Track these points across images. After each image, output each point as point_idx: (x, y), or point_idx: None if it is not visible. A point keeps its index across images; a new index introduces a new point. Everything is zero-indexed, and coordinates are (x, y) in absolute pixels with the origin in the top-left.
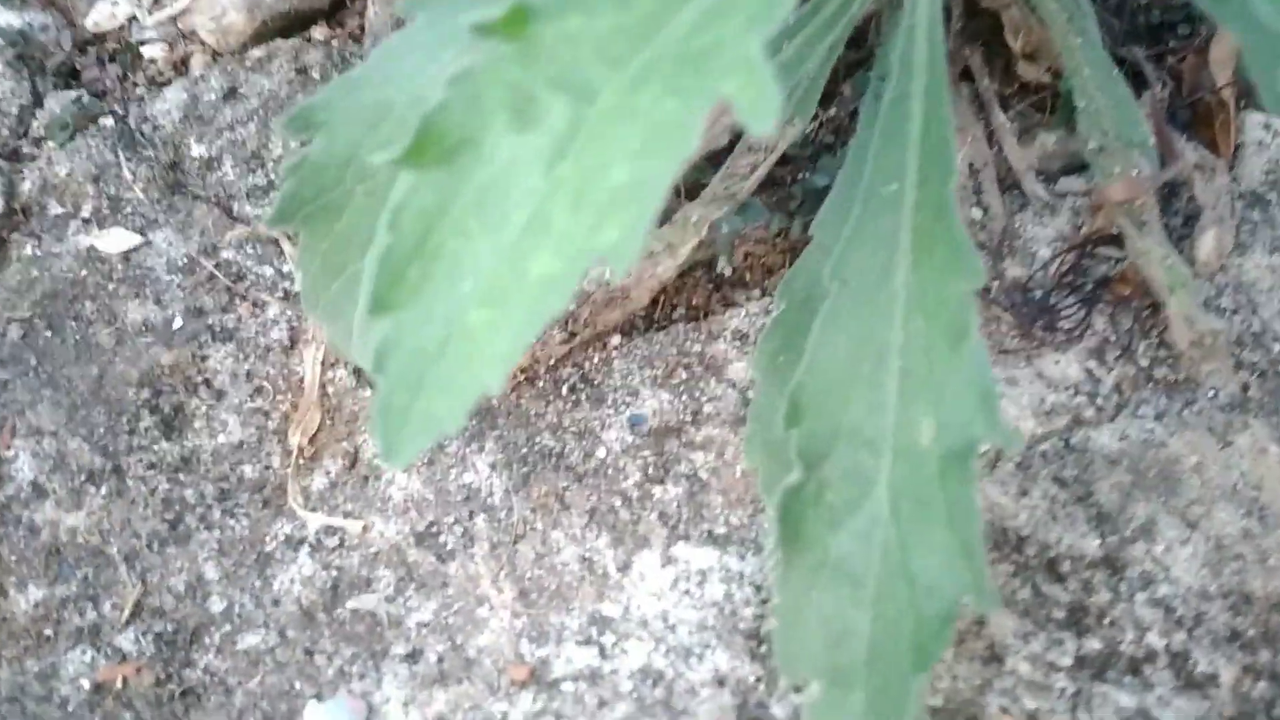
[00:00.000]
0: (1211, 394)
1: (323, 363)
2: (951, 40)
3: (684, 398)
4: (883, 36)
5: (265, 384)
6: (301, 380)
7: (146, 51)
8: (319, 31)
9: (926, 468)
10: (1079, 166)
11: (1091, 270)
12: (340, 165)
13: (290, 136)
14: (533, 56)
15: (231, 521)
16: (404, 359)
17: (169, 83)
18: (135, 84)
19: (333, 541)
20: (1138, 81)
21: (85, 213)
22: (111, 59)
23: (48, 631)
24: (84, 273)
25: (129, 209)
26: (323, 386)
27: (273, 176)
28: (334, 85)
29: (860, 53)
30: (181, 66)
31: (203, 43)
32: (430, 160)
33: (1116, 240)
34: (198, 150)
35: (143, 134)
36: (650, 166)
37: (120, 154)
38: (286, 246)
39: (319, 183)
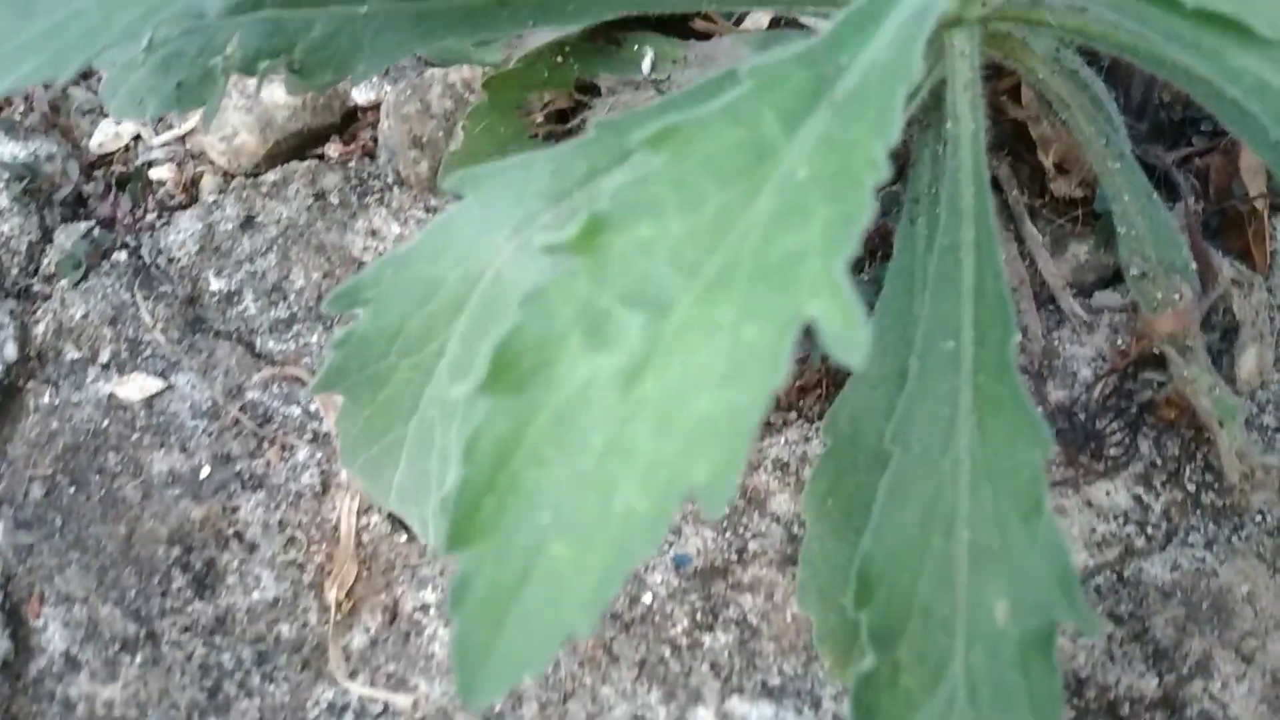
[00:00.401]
0: (1260, 518)
1: (357, 511)
2: (982, 145)
3: (728, 535)
4: (912, 157)
5: (298, 534)
6: (336, 528)
7: (155, 174)
8: (333, 148)
9: (1004, 651)
10: (1113, 278)
11: (1135, 393)
12: (387, 339)
13: (337, 311)
14: (604, 270)
15: (271, 687)
16: (481, 595)
17: (181, 207)
18: (146, 210)
19: (377, 707)
20: (1163, 184)
21: (104, 357)
22: (120, 185)
23: None
24: (105, 423)
25: (149, 351)
26: (358, 534)
27: (294, 309)
28: (384, 261)
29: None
30: (192, 188)
31: (213, 163)
32: (504, 387)
33: (1159, 362)
34: (216, 284)
35: (158, 267)
36: (738, 397)
37: (136, 292)
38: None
39: (364, 355)
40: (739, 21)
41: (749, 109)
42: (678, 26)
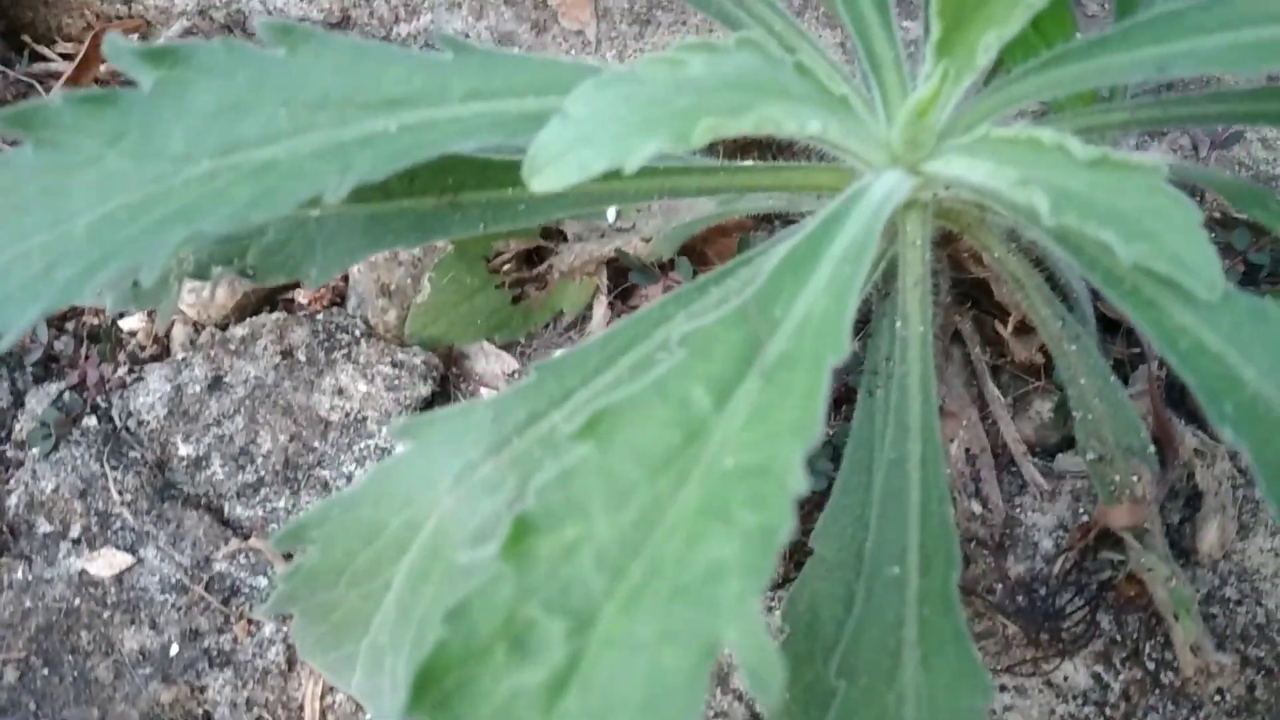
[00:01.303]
0: (1218, 698)
1: (321, 692)
2: (942, 304)
3: None
4: (872, 325)
5: (264, 714)
6: (301, 708)
7: (126, 324)
8: (302, 294)
9: None
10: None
11: (1096, 569)
12: (335, 572)
13: (283, 549)
14: (529, 575)
15: None
16: None
17: (152, 359)
18: (117, 365)
19: None
20: (1128, 340)
21: (74, 532)
22: (91, 338)
23: None
24: (77, 600)
25: (118, 524)
26: (322, 714)
27: (262, 473)
28: (330, 503)
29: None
30: (163, 339)
31: (183, 314)
32: (429, 705)
33: (1119, 541)
34: (185, 449)
35: (129, 430)
36: None
37: (106, 464)
38: (279, 564)
39: (314, 585)
40: None
41: (679, 385)
42: None
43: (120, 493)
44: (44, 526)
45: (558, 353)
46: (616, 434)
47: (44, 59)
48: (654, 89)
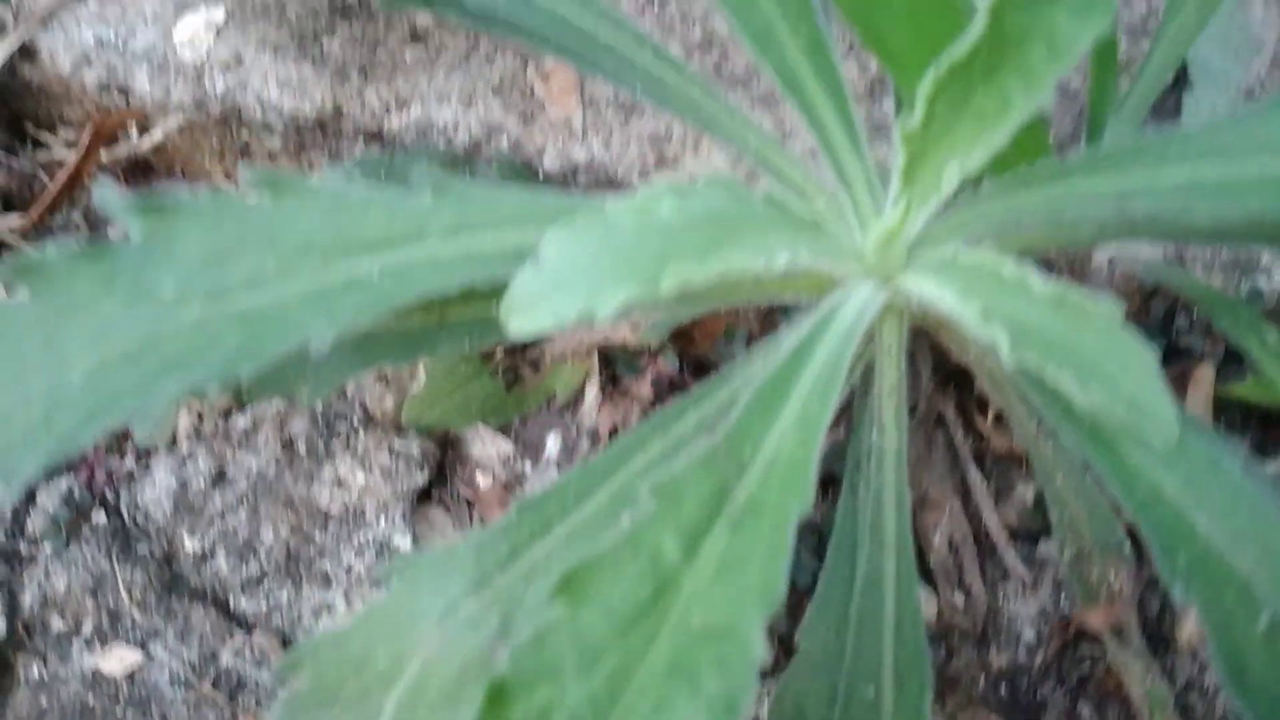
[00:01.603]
0: None
1: None
2: (925, 389)
3: None
4: (854, 419)
5: None
6: None
7: None
8: None
9: None
10: None
11: (1077, 659)
12: (329, 695)
13: (279, 681)
14: None
15: None
16: None
17: (155, 451)
18: (123, 455)
19: None
20: None
21: (86, 630)
22: None
23: None
24: (90, 698)
25: (128, 621)
26: None
27: (265, 566)
28: (322, 637)
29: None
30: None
31: (186, 404)
32: None
33: (1098, 636)
34: (190, 544)
35: (137, 525)
36: None
37: (115, 560)
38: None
39: (308, 705)
40: None
41: (650, 536)
42: None
43: (129, 590)
44: (58, 624)
45: (537, 489)
46: (589, 591)
47: (46, 146)
48: (623, 235)
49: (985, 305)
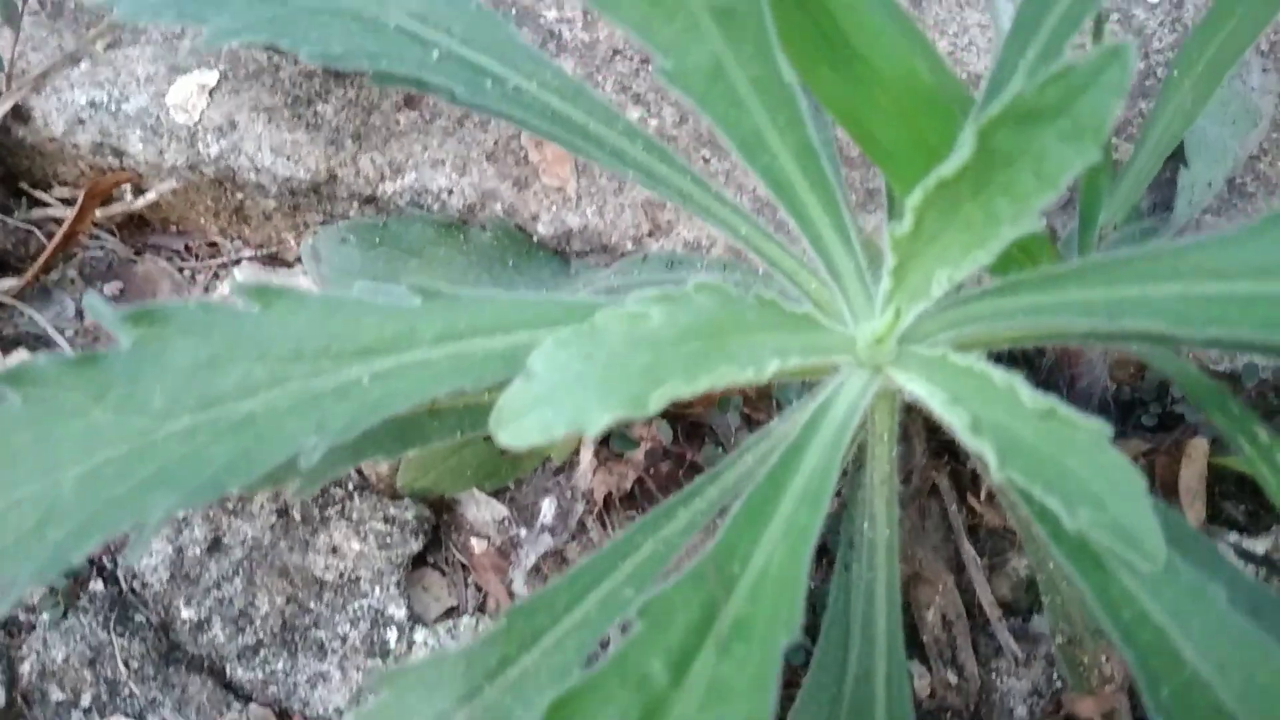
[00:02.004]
0: None
1: None
2: (918, 462)
3: None
4: (846, 497)
5: None
6: None
7: None
8: None
9: None
10: None
11: None
12: None
13: None
14: None
15: None
16: None
17: None
18: None
19: None
20: None
21: (85, 701)
22: None
23: None
24: None
25: (126, 692)
26: None
27: (260, 635)
28: None
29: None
30: None
31: None
32: None
33: None
34: (187, 613)
35: (134, 593)
36: None
37: (113, 631)
38: None
39: None
40: None
41: (638, 660)
42: None
43: (127, 660)
44: (56, 694)
45: (526, 595)
46: (578, 718)
47: (42, 204)
48: (612, 349)
49: (975, 415)
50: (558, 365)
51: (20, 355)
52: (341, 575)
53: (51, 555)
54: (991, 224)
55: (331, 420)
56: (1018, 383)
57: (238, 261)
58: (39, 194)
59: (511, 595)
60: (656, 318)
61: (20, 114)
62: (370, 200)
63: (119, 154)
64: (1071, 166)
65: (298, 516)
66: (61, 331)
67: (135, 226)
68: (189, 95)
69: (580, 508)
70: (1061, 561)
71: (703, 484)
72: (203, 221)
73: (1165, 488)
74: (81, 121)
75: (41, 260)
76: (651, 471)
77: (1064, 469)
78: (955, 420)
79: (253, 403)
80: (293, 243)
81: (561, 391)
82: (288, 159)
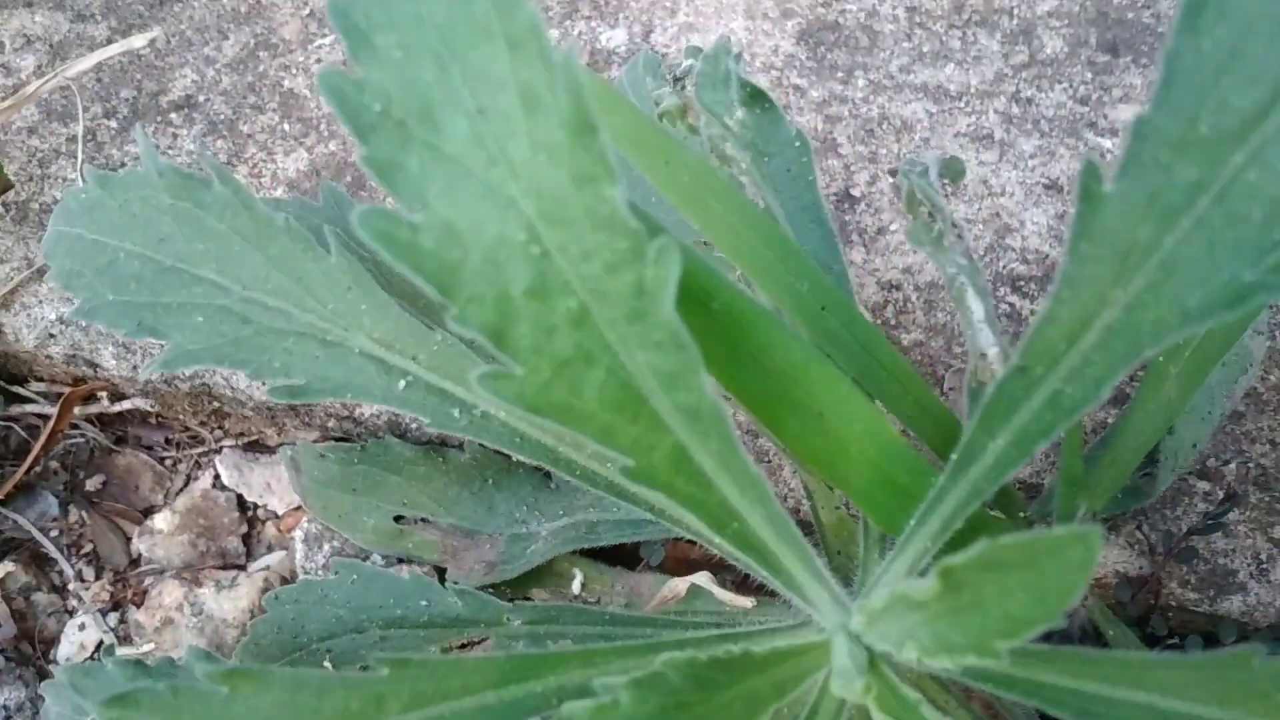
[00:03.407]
0: None
1: None
2: None
3: None
4: None
5: None
6: None
7: None
8: None
9: None
10: None
11: None
12: None
13: None
14: None
15: None
16: None
17: None
18: None
19: None
20: None
21: None
22: None
23: None
24: None
25: None
26: None
27: None
28: None
29: None
30: None
31: None
32: None
33: None
34: None
35: None
36: None
37: None
38: None
39: None
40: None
41: None
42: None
43: None
44: None
45: None
46: None
47: (21, 399)
48: None
49: None
50: None
51: (7, 567)
52: None
53: None
54: (958, 650)
55: None
56: None
57: (219, 450)
58: (16, 389)
59: None
60: (626, 702)
61: None
62: (348, 418)
63: (93, 365)
64: (1035, 625)
65: None
66: (46, 532)
67: (115, 418)
68: None
69: None
70: None
71: None
72: (182, 418)
73: None
74: (53, 335)
75: (25, 466)
76: None
77: None
78: None
79: None
80: (273, 435)
81: None
82: (261, 385)
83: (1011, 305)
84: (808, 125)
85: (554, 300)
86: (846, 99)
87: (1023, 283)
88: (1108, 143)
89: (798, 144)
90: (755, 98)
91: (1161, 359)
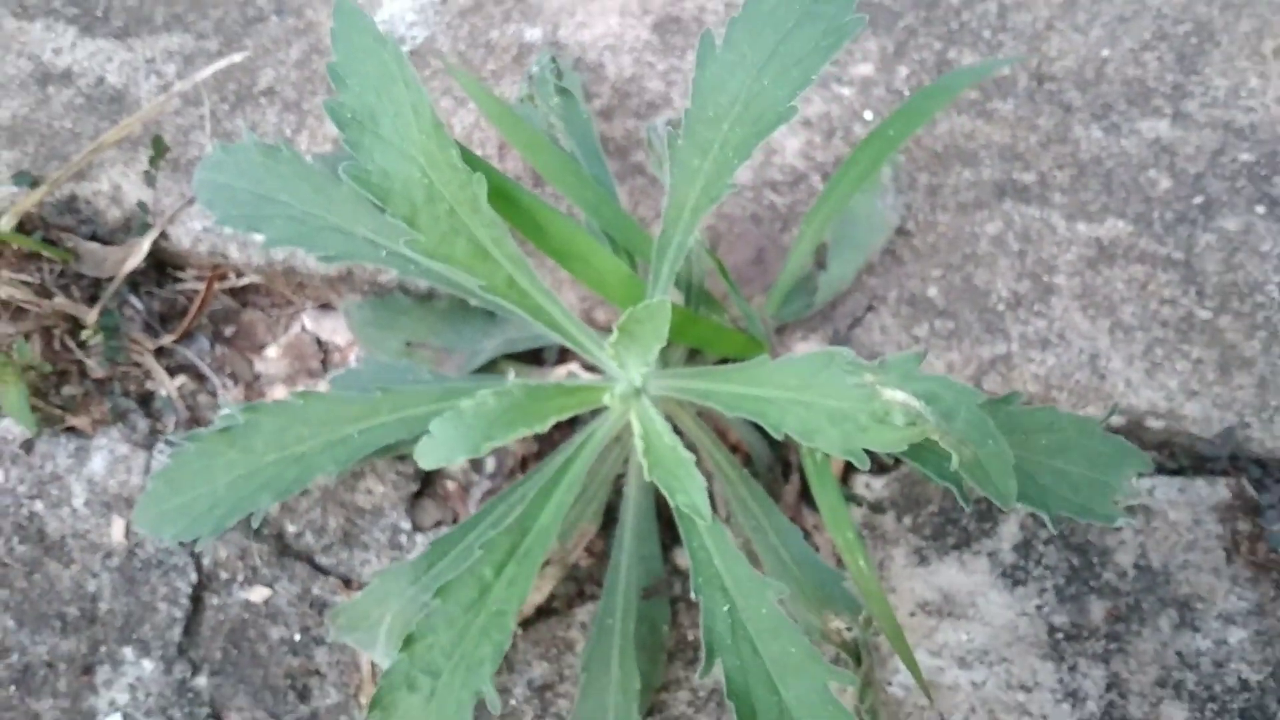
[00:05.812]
0: None
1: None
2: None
3: None
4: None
5: None
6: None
7: None
8: None
9: None
10: None
11: None
12: (351, 626)
13: (330, 620)
14: None
15: None
16: None
17: None
18: None
19: None
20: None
21: (240, 578)
22: None
23: None
24: (245, 615)
25: (265, 573)
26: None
27: (334, 539)
28: (344, 604)
29: None
30: None
31: None
32: None
33: None
34: (291, 528)
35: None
36: None
37: (251, 541)
38: None
39: (343, 631)
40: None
41: (479, 570)
42: (525, 357)
43: (260, 555)
44: (223, 574)
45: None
46: (450, 592)
47: (180, 281)
48: (467, 420)
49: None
50: (442, 430)
51: (181, 380)
52: (374, 506)
53: (216, 524)
54: (646, 349)
55: (340, 456)
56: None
57: (304, 308)
58: (178, 274)
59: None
60: (491, 402)
61: (163, 235)
62: (375, 284)
63: (224, 256)
64: (651, 350)
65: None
66: (203, 360)
67: (239, 289)
68: None
69: (510, 462)
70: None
71: (516, 486)
72: (279, 287)
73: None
74: (199, 240)
75: (187, 320)
76: (545, 440)
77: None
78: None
79: (302, 447)
80: (335, 298)
81: (442, 443)
82: (322, 264)
83: (773, 202)
84: (654, 89)
85: (436, 204)
86: (680, 69)
87: (781, 186)
88: (847, 91)
89: (585, 116)
90: (562, 91)
91: (807, 219)
